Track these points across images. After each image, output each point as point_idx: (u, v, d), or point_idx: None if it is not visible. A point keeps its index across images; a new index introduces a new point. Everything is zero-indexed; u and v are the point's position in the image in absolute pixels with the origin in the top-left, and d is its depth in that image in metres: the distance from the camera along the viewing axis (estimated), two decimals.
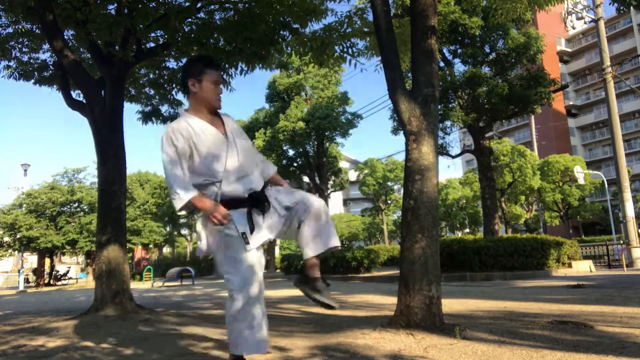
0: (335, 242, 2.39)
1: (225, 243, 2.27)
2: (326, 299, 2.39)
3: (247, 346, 2.21)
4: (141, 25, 5.63)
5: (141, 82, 7.72)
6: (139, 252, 36.03)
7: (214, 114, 2.38)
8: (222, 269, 2.27)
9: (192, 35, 6.05)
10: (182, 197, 2.18)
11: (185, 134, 2.24)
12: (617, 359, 2.31)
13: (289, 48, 5.61)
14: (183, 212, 2.39)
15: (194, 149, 2.25)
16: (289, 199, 2.38)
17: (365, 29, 5.49)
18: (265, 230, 2.30)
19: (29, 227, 25.09)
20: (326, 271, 15.45)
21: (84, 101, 6.06)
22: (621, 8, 6.00)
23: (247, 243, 2.21)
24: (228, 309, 2.24)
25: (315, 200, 2.38)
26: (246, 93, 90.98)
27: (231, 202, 2.26)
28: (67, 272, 31.43)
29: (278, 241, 37.55)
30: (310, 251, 2.36)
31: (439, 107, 11.77)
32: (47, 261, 29.18)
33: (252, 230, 2.24)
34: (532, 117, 33.40)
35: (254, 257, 2.24)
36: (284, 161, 23.25)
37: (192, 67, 2.36)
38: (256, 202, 2.30)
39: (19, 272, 25.11)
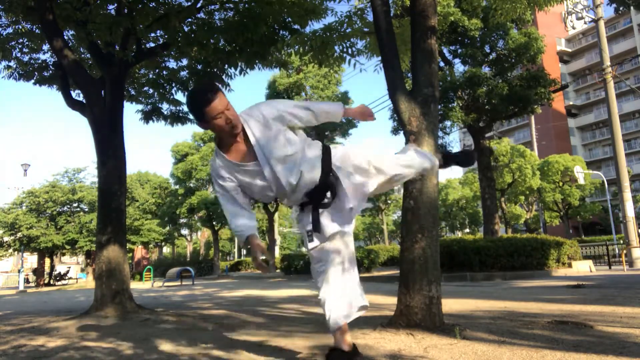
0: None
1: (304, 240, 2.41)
2: None
3: (328, 325, 2.32)
4: (141, 26, 5.62)
5: (141, 82, 7.72)
6: (139, 252, 36.04)
7: (237, 135, 2.22)
8: None
9: (192, 35, 6.05)
10: (240, 234, 2.29)
11: (227, 174, 2.26)
12: (617, 359, 2.31)
13: (289, 48, 5.60)
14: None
15: (242, 184, 2.29)
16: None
17: (365, 29, 5.49)
18: (332, 224, 2.32)
19: (29, 227, 25.10)
20: None
21: (84, 101, 6.06)
22: (620, 8, 6.00)
23: (311, 241, 2.31)
24: None
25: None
26: (246, 93, 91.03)
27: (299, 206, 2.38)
28: (67, 272, 31.43)
29: (278, 241, 37.53)
30: None
31: (439, 107, 11.76)
32: (47, 261, 29.19)
33: (315, 228, 2.29)
34: (532, 117, 33.40)
35: (321, 251, 2.33)
36: None
37: (191, 112, 2.24)
38: (315, 203, 2.31)
39: (19, 272, 25.10)
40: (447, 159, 3.04)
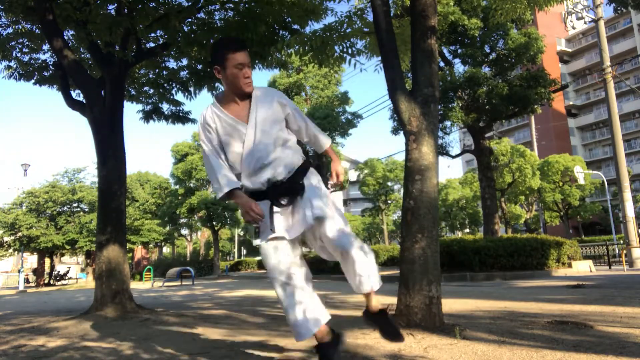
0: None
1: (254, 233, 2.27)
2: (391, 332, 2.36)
3: (295, 334, 2.21)
4: (141, 26, 5.62)
5: (141, 81, 7.72)
6: (139, 252, 36.04)
7: (246, 97, 2.27)
8: None
9: (192, 35, 6.05)
10: (220, 188, 2.18)
11: (213, 124, 2.24)
12: (617, 359, 2.31)
13: (289, 48, 5.61)
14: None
15: (221, 140, 2.24)
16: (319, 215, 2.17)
17: (365, 29, 5.49)
18: (281, 228, 2.20)
19: (29, 227, 25.10)
20: (326, 271, 15.45)
21: (84, 101, 6.06)
22: (619, 8, 6.00)
23: (256, 238, 2.21)
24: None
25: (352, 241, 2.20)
26: None
27: (252, 195, 2.23)
28: (67, 272, 31.43)
29: None
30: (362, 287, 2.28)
31: (439, 107, 11.77)
32: (47, 261, 29.19)
33: (272, 224, 2.18)
34: (532, 117, 33.40)
35: (271, 249, 2.18)
36: None
37: (214, 53, 2.26)
38: (272, 197, 2.21)
39: (19, 272, 25.11)
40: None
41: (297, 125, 2.36)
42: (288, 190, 2.22)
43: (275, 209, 2.20)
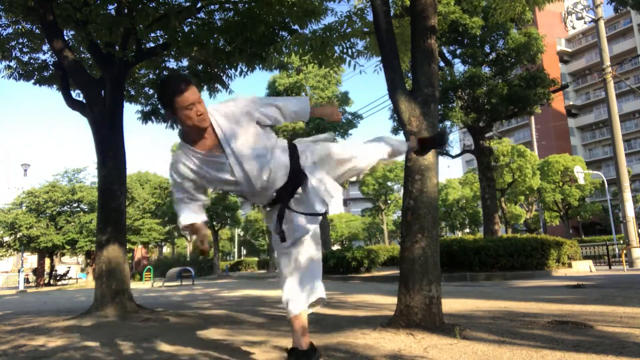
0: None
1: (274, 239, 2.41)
2: None
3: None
4: (141, 26, 5.62)
5: (141, 82, 7.71)
6: (139, 252, 36.03)
7: (205, 129, 2.15)
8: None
9: (192, 36, 6.04)
10: (180, 223, 2.26)
11: (188, 165, 2.18)
12: (617, 359, 2.31)
13: (288, 49, 5.60)
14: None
15: (204, 178, 2.23)
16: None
17: (365, 29, 5.49)
18: (301, 225, 2.29)
19: (29, 227, 25.08)
20: (326, 271, 15.44)
21: (84, 101, 6.06)
22: (619, 8, 6.01)
23: (284, 240, 2.31)
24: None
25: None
26: (246, 93, 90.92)
27: (267, 204, 2.35)
28: (67, 272, 31.41)
29: None
30: None
31: (439, 107, 11.76)
32: (47, 261, 29.16)
33: (282, 229, 2.30)
34: (532, 117, 33.38)
35: (294, 252, 2.32)
36: None
37: (161, 98, 2.20)
38: (284, 201, 2.30)
39: (19, 272, 25.10)
40: (424, 143, 2.90)
41: (270, 120, 2.28)
42: (294, 188, 2.27)
43: (289, 211, 2.30)
